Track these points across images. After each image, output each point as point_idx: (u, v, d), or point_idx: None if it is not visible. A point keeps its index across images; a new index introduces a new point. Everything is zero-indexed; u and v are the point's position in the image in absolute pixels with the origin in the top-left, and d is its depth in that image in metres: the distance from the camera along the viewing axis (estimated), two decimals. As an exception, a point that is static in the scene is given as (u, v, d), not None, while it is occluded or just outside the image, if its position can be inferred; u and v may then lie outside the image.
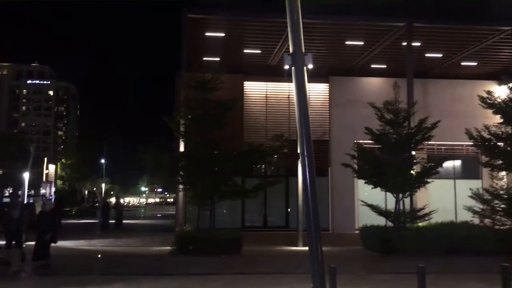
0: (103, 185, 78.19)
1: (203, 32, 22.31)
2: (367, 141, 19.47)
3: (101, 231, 26.31)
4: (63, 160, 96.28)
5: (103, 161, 71.54)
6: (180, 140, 19.48)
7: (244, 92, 26.83)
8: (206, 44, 23.62)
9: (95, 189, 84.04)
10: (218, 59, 24.04)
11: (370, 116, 18.33)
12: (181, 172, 17.62)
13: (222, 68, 18.39)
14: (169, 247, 16.56)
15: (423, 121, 17.68)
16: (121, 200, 44.63)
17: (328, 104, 27.22)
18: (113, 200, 48.39)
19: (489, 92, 18.09)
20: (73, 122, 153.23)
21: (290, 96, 25.67)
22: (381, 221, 17.72)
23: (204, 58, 22.96)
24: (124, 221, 32.22)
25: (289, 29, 15.65)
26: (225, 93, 17.82)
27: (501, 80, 20.79)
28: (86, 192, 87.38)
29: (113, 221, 30.27)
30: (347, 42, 23.86)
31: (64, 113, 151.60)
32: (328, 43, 24.09)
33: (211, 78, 17.45)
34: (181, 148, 19.98)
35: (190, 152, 18.34)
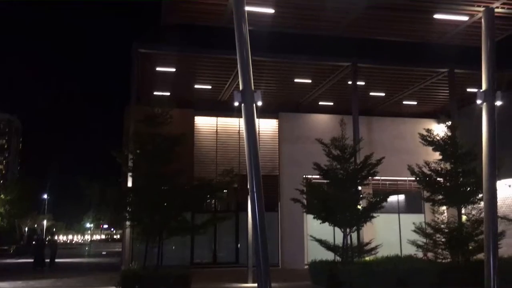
0: (45, 222, 74.53)
1: (153, 67, 22.30)
2: (315, 176, 19.82)
3: (37, 271, 24.92)
4: (2, 195, 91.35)
5: (45, 196, 68.44)
6: (128, 175, 19.06)
7: (195, 127, 26.81)
8: (156, 79, 23.59)
9: (36, 226, 79.97)
10: (168, 93, 24.01)
11: (319, 152, 18.74)
12: (128, 208, 17.15)
13: (173, 102, 18.36)
14: (113, 287, 15.90)
15: (368, 157, 18.25)
16: (57, 237, 42.52)
17: (277, 139, 27.63)
18: (56, 237, 46.14)
19: (428, 130, 19.00)
20: (15, 156, 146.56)
21: (241, 131, 25.90)
22: (330, 256, 17.89)
23: (155, 93, 22.88)
24: (67, 260, 30.65)
25: (239, 66, 15.88)
26: (175, 127, 17.73)
27: (439, 119, 21.90)
28: (26, 229, 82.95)
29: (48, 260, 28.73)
30: (296, 80, 24.55)
31: (5, 146, 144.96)
32: (278, 80, 24.70)
33: (160, 112, 17.33)
34: (129, 183, 19.53)
35: (138, 187, 17.94)
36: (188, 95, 26.04)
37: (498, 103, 15.67)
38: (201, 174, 23.78)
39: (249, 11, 15.62)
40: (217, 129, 27.34)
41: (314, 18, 18.01)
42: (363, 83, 24.78)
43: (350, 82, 23.80)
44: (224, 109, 25.30)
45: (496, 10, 16.45)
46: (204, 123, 27.30)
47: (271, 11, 16.92)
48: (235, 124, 26.77)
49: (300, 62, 22.66)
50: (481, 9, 16.48)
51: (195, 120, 26.88)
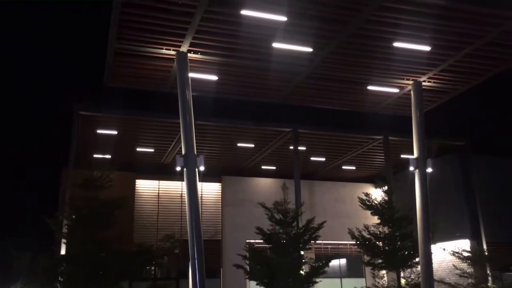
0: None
1: (94, 129, 21.90)
2: (258, 241, 19.66)
3: None
4: None
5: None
6: (62, 241, 18.05)
7: (136, 190, 26.18)
8: (97, 141, 23.07)
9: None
10: (109, 156, 23.49)
11: (262, 216, 18.70)
12: (60, 278, 16.07)
13: (113, 165, 17.96)
14: None
15: (310, 221, 18.41)
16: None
17: (220, 203, 27.44)
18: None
19: (367, 194, 19.63)
20: None
21: (183, 194, 25.53)
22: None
23: (95, 155, 22.31)
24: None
25: (182, 131, 15.91)
26: (115, 191, 17.23)
27: (376, 184, 22.73)
28: None
29: None
30: (239, 144, 24.88)
31: None
32: (221, 144, 24.92)
33: (100, 175, 16.86)
34: (63, 251, 18.45)
35: (73, 255, 16.95)
36: (129, 158, 25.59)
37: (429, 170, 16.77)
38: (141, 240, 22.93)
39: (192, 77, 16.05)
40: (159, 193, 26.83)
41: (256, 86, 18.65)
42: (304, 148, 25.48)
43: (291, 147, 24.40)
44: (167, 173, 24.99)
45: (423, 83, 17.83)
46: (145, 187, 26.74)
47: (214, 78, 17.38)
48: (178, 188, 26.40)
49: (243, 127, 23.11)
50: (410, 82, 17.80)
51: (136, 183, 26.30)
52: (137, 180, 26.37)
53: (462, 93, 19.28)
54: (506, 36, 14.95)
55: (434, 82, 18.09)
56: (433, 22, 14.09)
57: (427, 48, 15.43)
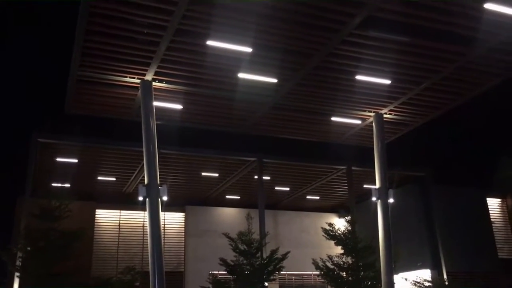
0: None
1: (53, 157, 21.28)
2: (222, 272, 19.32)
3: None
4: None
5: None
6: (15, 275, 17.20)
7: (96, 220, 25.42)
8: (56, 169, 22.37)
9: None
10: (68, 185, 22.79)
11: (225, 246, 18.46)
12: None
13: (73, 194, 17.44)
14: None
15: (274, 251, 18.28)
16: None
17: (183, 233, 26.94)
18: None
19: (330, 224, 19.68)
20: None
21: (145, 225, 24.95)
22: None
23: (53, 184, 21.61)
24: None
25: (145, 161, 15.63)
26: (74, 221, 16.70)
27: (339, 213, 22.92)
28: None
29: None
30: (203, 173, 24.67)
31: None
32: (185, 173, 24.65)
33: (58, 205, 16.34)
34: (16, 285, 17.56)
35: (26, 289, 16.17)
36: (90, 187, 24.92)
37: (391, 200, 17.06)
38: (100, 272, 22.16)
39: (157, 106, 15.93)
40: (120, 223, 26.13)
41: (222, 116, 18.68)
42: (269, 178, 25.52)
43: (256, 177, 24.38)
44: (129, 202, 24.46)
45: (384, 115, 18.30)
46: (106, 217, 26.03)
47: (179, 107, 17.31)
48: (140, 218, 25.82)
49: (208, 156, 22.98)
50: (372, 114, 18.24)
51: (96, 213, 25.56)
52: (97, 210, 25.66)
53: (423, 125, 19.88)
54: (462, 72, 15.61)
55: (394, 114, 18.61)
56: (393, 56, 14.59)
57: (387, 81, 15.91)
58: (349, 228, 19.42)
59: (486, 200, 27.06)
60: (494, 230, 26.63)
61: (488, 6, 12.15)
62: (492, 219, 26.89)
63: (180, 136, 20.47)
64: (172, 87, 15.95)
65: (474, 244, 24.62)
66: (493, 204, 27.91)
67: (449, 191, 25.95)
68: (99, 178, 24.22)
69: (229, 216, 27.41)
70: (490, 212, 27.11)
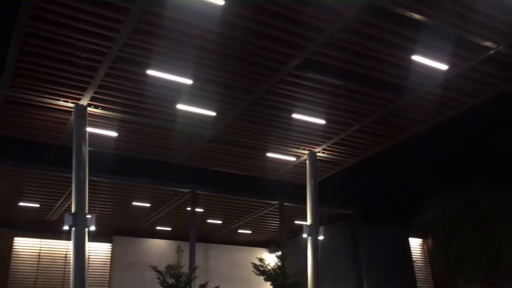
0: None
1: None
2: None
3: None
4: None
5: None
6: None
7: (13, 249, 23.76)
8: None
9: None
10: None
11: (153, 280, 17.87)
12: None
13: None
14: None
15: (203, 286, 17.96)
16: None
17: (109, 265, 25.79)
18: None
19: (261, 259, 19.69)
20: None
21: (68, 255, 23.66)
22: None
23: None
24: None
25: (73, 188, 15.01)
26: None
27: (270, 249, 22.97)
28: None
29: None
30: (134, 203, 23.97)
31: None
32: (115, 202, 23.82)
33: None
34: None
35: None
36: (9, 213, 23.36)
37: (321, 237, 17.43)
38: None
39: (90, 132, 15.47)
40: (40, 253, 24.60)
41: (158, 145, 18.44)
42: (201, 210, 25.24)
43: (189, 208, 24.04)
44: (52, 231, 23.19)
45: (318, 154, 18.91)
46: (25, 245, 24.42)
47: (114, 134, 16.92)
48: (62, 247, 24.48)
49: (140, 186, 22.40)
50: (306, 152, 18.80)
51: (14, 241, 23.93)
52: (15, 238, 24.04)
53: (354, 165, 20.69)
54: (391, 117, 16.56)
55: (327, 153, 19.26)
56: (328, 98, 15.25)
57: (322, 121, 16.53)
58: (279, 263, 19.51)
59: (408, 240, 28.30)
60: (415, 269, 27.80)
61: (415, 57, 13.10)
62: (413, 259, 28.10)
63: (113, 163, 19.84)
64: (108, 114, 15.60)
65: (396, 282, 25.51)
66: (415, 244, 29.22)
67: (375, 229, 26.88)
68: (21, 204, 22.79)
69: (159, 249, 26.66)
70: (412, 251, 28.35)
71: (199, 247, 24.50)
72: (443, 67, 13.44)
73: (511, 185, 20.02)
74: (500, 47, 12.58)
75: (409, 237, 28.32)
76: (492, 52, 12.80)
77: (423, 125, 17.19)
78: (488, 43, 12.51)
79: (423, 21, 11.62)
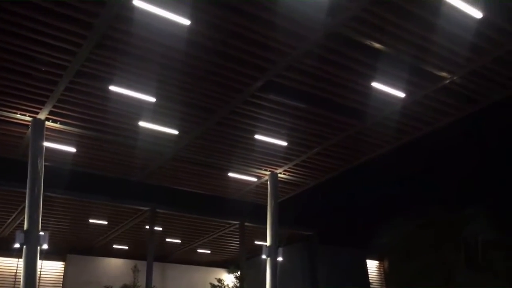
0: None
1: None
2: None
3: None
4: None
5: None
6: None
7: (-42, 267, 22.60)
8: None
9: None
10: None
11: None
12: None
13: None
14: None
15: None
16: None
17: (61, 285, 24.86)
18: None
19: (219, 280, 19.50)
20: None
21: (18, 274, 22.67)
22: None
23: None
24: None
25: (27, 204, 14.53)
26: None
27: (229, 269, 22.80)
28: None
29: None
30: (91, 220, 23.32)
31: None
32: (70, 219, 23.12)
33: None
34: None
35: None
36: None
37: (280, 258, 17.46)
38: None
39: (48, 147, 15.06)
40: (-12, 271, 23.48)
41: (118, 162, 18.13)
42: (160, 229, 24.81)
43: (147, 227, 23.59)
44: (1, 247, 22.17)
45: (279, 175, 19.07)
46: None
47: (72, 149, 16.54)
48: (12, 265, 23.43)
49: (98, 202, 21.84)
50: (268, 173, 18.92)
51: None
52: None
53: (314, 186, 20.93)
54: (350, 140, 16.95)
55: (288, 175, 19.45)
56: (290, 120, 15.48)
57: (284, 143, 16.73)
58: (238, 284, 19.38)
59: (365, 262, 28.70)
60: (372, 290, 28.17)
61: (374, 84, 13.53)
62: (370, 280, 28.47)
63: (70, 179, 19.30)
64: (66, 129, 15.26)
65: (354, 304, 25.74)
66: (372, 265, 29.66)
67: (333, 251, 27.12)
68: (-31, 218, 21.81)
69: (115, 268, 25.98)
70: (368, 273, 28.73)
71: (157, 266, 24.03)
72: (401, 94, 13.93)
73: (465, 208, 20.80)
74: (454, 78, 13.18)
75: (366, 258, 28.72)
76: (447, 82, 13.39)
77: (381, 149, 17.67)
78: (443, 74, 13.09)
79: (383, 50, 12.06)
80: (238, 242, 26.34)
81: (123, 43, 11.71)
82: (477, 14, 10.70)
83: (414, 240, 22.41)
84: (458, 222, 20.25)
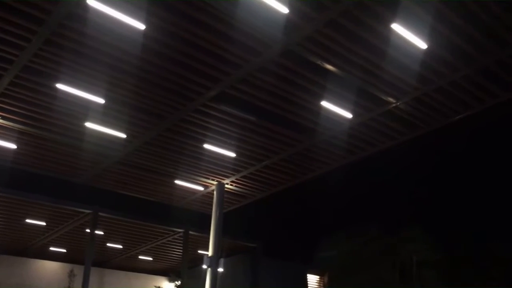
0: None
1: None
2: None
3: None
4: None
5: None
6: None
7: None
8: None
9: None
10: None
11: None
12: None
13: None
14: None
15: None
16: None
17: (-11, 287, 23.69)
18: None
19: (159, 288, 19.27)
20: None
21: None
22: None
23: None
24: None
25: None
26: None
27: (170, 278, 22.56)
28: None
29: None
30: (27, 220, 22.42)
31: None
32: (5, 218, 22.16)
33: None
34: None
35: None
36: None
37: (221, 269, 17.43)
38: None
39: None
40: None
41: (61, 162, 17.55)
42: (102, 233, 24.21)
43: (88, 230, 22.96)
44: None
45: (226, 185, 19.06)
46: None
47: (13, 146, 15.92)
48: None
49: (38, 202, 21.05)
50: (215, 182, 18.87)
51: None
52: None
53: (261, 199, 21.08)
54: (298, 156, 17.22)
55: (235, 186, 19.51)
56: (240, 132, 15.59)
57: (233, 154, 16.80)
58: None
59: (306, 276, 29.08)
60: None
61: (324, 103, 13.89)
62: (310, 295, 28.89)
63: (8, 176, 18.55)
64: (7, 124, 14.69)
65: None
66: (312, 280, 30.08)
67: (276, 264, 27.37)
68: None
69: (50, 271, 25.03)
70: (309, 287, 29.11)
71: (95, 271, 23.39)
72: (348, 115, 14.36)
73: (402, 230, 21.64)
74: (399, 103, 13.75)
75: (307, 273, 29.12)
76: (392, 106, 13.95)
77: (328, 166, 18.06)
78: (389, 98, 13.62)
79: (333, 71, 12.44)
80: (181, 251, 26.07)
81: (75, 42, 11.45)
82: (422, 45, 11.26)
83: (354, 257, 23.07)
84: (395, 243, 21.04)
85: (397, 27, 10.79)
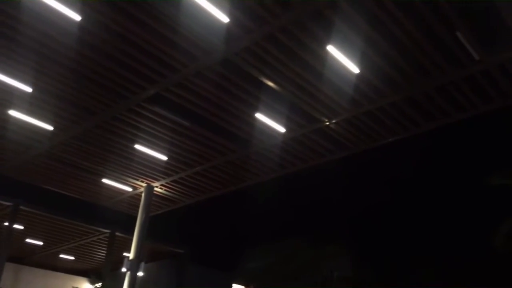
0: None
1: None
2: None
3: None
4: None
5: None
6: None
7: None
8: None
9: None
10: None
11: None
12: None
13: None
14: None
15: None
16: None
17: None
18: None
19: (75, 289, 18.57)
20: None
21: None
22: None
23: None
24: None
25: None
26: None
27: (90, 279, 21.82)
28: None
29: None
30: None
31: None
32: None
33: None
34: None
35: None
36: None
37: (140, 273, 17.08)
38: None
39: None
40: None
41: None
42: (21, 227, 23.11)
43: (6, 224, 21.82)
44: None
45: (155, 188, 18.75)
46: None
47: None
48: None
49: None
50: (144, 184, 18.51)
51: None
52: None
53: (190, 205, 20.86)
54: (229, 165, 17.22)
55: (165, 190, 19.22)
56: (173, 136, 15.39)
57: (164, 157, 16.56)
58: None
59: (231, 285, 29.08)
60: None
61: (258, 115, 14.03)
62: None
63: None
64: None
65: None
66: (238, 289, 30.15)
67: (202, 271, 27.17)
68: None
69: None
70: (234, 297, 29.15)
71: (9, 267, 22.30)
72: (282, 129, 14.57)
73: (326, 246, 22.17)
74: (329, 123, 14.14)
75: (232, 282, 29.13)
76: (323, 125, 14.31)
77: (258, 178, 18.18)
78: (321, 117, 13.96)
79: (269, 84, 12.60)
80: (105, 252, 25.31)
81: (6, 26, 10.96)
82: (355, 69, 11.66)
83: (279, 270, 23.36)
84: (318, 258, 21.52)
85: (332, 49, 11.10)
